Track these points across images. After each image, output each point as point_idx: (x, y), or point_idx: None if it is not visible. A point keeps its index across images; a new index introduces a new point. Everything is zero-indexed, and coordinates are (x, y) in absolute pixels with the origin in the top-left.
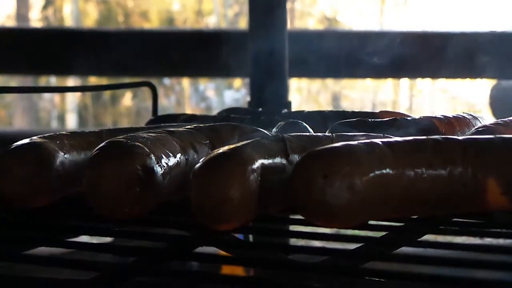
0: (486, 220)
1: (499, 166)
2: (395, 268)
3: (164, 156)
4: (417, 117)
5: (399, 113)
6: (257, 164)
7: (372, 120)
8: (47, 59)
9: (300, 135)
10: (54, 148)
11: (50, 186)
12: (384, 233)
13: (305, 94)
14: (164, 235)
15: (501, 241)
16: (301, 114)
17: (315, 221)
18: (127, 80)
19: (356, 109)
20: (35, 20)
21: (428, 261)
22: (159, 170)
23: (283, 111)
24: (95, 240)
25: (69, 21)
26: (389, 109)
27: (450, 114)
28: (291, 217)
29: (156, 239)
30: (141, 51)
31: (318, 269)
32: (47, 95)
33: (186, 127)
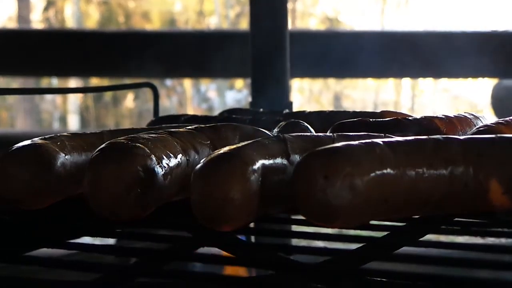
0: (488, 220)
1: (501, 165)
2: (397, 268)
3: (165, 157)
4: (418, 117)
5: (400, 113)
6: (258, 164)
7: (374, 120)
8: (49, 60)
9: (301, 135)
10: (55, 150)
11: (51, 187)
12: (385, 233)
13: (307, 94)
14: (166, 236)
15: (503, 241)
16: (302, 114)
17: (317, 222)
18: (128, 81)
19: (358, 109)
20: (37, 21)
21: (430, 261)
22: (160, 171)
23: (284, 112)
24: (97, 241)
25: (70, 23)
26: (391, 109)
27: (451, 113)
28: (293, 217)
29: (158, 240)
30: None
31: (320, 269)
32: (49, 97)
33: (187, 127)
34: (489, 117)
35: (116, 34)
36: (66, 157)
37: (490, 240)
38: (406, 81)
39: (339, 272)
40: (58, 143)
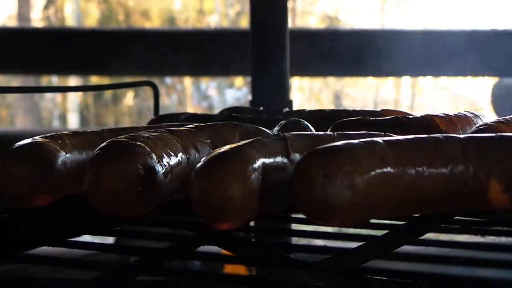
0: (488, 218)
1: (501, 164)
2: (397, 266)
3: (165, 156)
4: (418, 115)
5: (400, 111)
6: (258, 163)
7: (374, 118)
8: (49, 58)
9: (302, 134)
10: (55, 148)
11: (51, 186)
12: (385, 231)
13: (307, 92)
14: (166, 235)
15: (503, 239)
16: (302, 113)
17: (316, 220)
18: (128, 79)
19: (358, 107)
20: (37, 20)
21: (430, 260)
22: (160, 169)
23: (284, 110)
24: (97, 239)
25: (70, 21)
26: (391, 107)
27: (451, 112)
28: (293, 216)
29: (158, 239)
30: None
31: (319, 268)
32: (48, 95)
33: (188, 126)
34: (489, 116)
35: (116, 32)
36: (67, 155)
37: (490, 239)
38: (406, 79)
39: (339, 271)
40: (59, 142)
